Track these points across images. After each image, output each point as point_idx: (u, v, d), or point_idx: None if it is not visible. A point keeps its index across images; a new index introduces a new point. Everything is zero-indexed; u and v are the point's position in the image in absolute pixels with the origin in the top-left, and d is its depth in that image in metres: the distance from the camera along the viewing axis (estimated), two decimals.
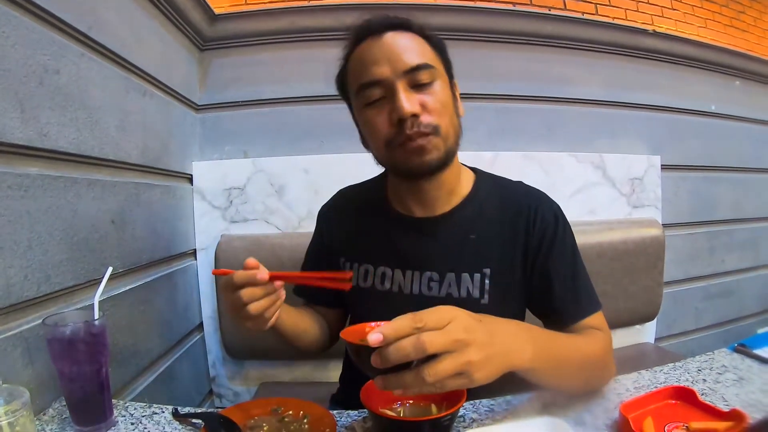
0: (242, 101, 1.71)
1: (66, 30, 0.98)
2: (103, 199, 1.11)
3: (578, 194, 1.90)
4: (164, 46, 1.45)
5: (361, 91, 0.92)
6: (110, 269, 0.87)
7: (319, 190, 1.59)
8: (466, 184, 1.02)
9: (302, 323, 1.05)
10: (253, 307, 0.78)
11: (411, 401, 0.80)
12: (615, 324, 0.95)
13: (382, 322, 0.62)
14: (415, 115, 0.87)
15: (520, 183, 1.06)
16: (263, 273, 0.77)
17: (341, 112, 1.72)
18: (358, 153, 1.62)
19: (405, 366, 0.57)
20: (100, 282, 0.84)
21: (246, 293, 0.77)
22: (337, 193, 1.19)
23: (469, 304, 0.87)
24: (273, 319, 0.86)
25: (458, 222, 0.99)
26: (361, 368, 0.61)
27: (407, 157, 0.90)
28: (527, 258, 0.97)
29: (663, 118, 2.20)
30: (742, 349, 1.07)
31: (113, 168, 1.16)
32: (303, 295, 1.16)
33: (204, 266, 1.65)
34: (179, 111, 1.57)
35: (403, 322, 0.58)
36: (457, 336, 0.59)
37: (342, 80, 1.01)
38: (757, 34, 2.64)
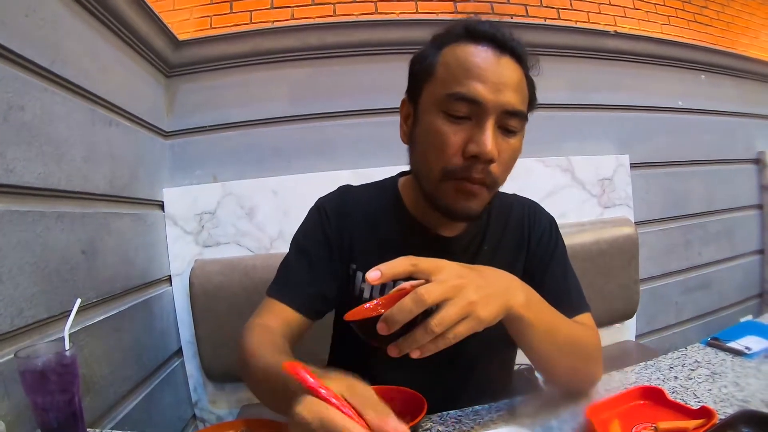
0: (210, 125, 1.71)
1: (28, 66, 0.98)
2: (72, 230, 1.10)
3: (548, 198, 1.92)
4: (129, 74, 1.45)
5: (448, 99, 0.82)
6: (79, 300, 0.87)
7: (288, 211, 1.59)
8: None
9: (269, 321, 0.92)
10: None
11: None
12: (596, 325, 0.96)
13: (375, 300, 0.65)
14: (491, 161, 0.81)
15: (515, 195, 1.09)
16: None
17: (307, 131, 1.74)
18: (326, 171, 1.64)
19: (413, 327, 0.59)
20: (70, 313, 0.84)
21: None
22: (340, 190, 1.06)
23: None
24: None
25: (472, 238, 0.99)
26: (371, 344, 0.62)
27: (455, 195, 0.84)
28: (527, 264, 1.00)
29: (630, 117, 2.22)
30: (716, 342, 1.08)
31: (82, 199, 1.16)
32: (290, 298, 0.94)
33: (179, 291, 1.64)
34: (147, 138, 1.56)
35: (398, 260, 0.61)
36: (452, 282, 0.61)
37: (422, 65, 0.88)
38: (720, 27, 2.68)
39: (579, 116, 2.10)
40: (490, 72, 0.80)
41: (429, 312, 0.59)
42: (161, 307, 1.58)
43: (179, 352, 1.67)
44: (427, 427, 0.84)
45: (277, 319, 0.91)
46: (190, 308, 1.60)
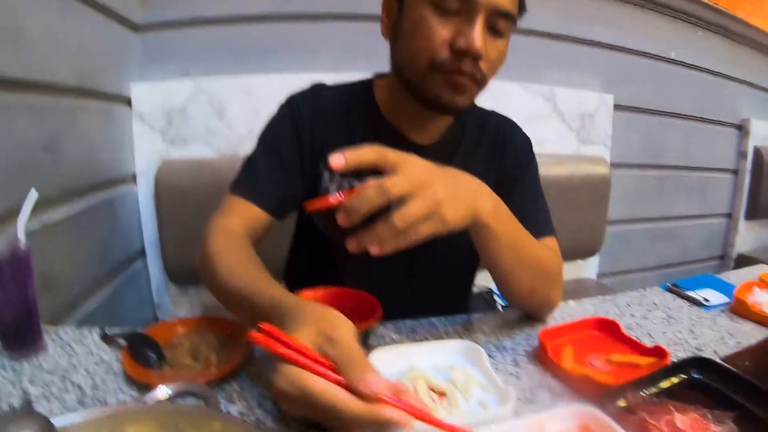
0: (184, 19, 1.61)
1: None
2: (35, 123, 1.06)
3: (526, 125, 1.86)
4: None
5: None
6: (35, 193, 0.82)
7: (260, 111, 1.54)
8: None
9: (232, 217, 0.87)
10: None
11: None
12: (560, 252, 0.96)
13: (338, 194, 0.61)
14: (479, 57, 0.79)
15: (493, 112, 1.08)
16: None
17: (286, 30, 1.66)
18: (303, 73, 1.58)
19: (375, 220, 0.57)
20: (24, 204, 0.80)
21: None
22: (314, 86, 1.01)
23: None
24: None
25: (445, 147, 0.98)
26: (331, 236, 0.60)
27: (444, 87, 0.83)
28: (499, 177, 0.99)
29: (621, 58, 2.19)
30: (675, 289, 1.09)
31: (45, 92, 1.10)
32: (254, 195, 0.90)
33: (144, 191, 1.60)
34: (118, 31, 1.48)
35: (365, 148, 0.58)
36: (420, 177, 0.58)
37: None
38: None
39: (569, 48, 2.04)
40: None
41: (394, 208, 0.57)
42: (125, 206, 1.55)
43: (142, 252, 1.65)
44: (381, 334, 0.84)
45: (241, 219, 0.87)
46: (155, 208, 1.58)
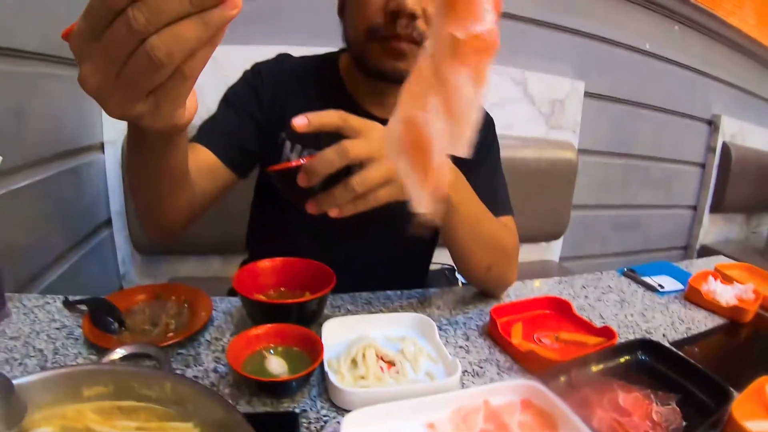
0: None
1: None
2: None
3: (495, 107, 1.90)
4: None
5: None
6: None
7: (228, 82, 1.54)
8: None
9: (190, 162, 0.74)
10: (159, 43, 0.34)
11: (283, 288, 0.82)
12: (521, 239, 0.98)
13: (300, 160, 0.63)
14: (414, 16, 0.78)
15: None
16: None
17: (257, 1, 1.62)
18: (274, 45, 1.56)
19: (335, 183, 0.58)
20: None
21: (142, 15, 0.33)
22: (279, 55, 1.03)
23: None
24: (191, 107, 0.49)
25: None
26: (290, 198, 0.61)
27: (383, 55, 0.83)
28: (461, 158, 0.98)
29: (594, 46, 2.20)
30: (631, 274, 1.13)
31: (9, 57, 1.07)
32: (213, 143, 0.89)
33: (111, 160, 1.57)
34: None
35: (328, 112, 0.60)
36: (381, 143, 0.59)
37: None
38: None
39: (543, 33, 2.05)
40: None
41: (353, 172, 0.58)
42: (91, 175, 1.52)
43: (108, 222, 1.63)
44: (337, 304, 0.86)
45: (192, 155, 0.81)
46: (122, 178, 1.56)
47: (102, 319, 0.72)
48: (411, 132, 0.37)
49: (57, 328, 0.74)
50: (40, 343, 0.70)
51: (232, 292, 1.10)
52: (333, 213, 0.60)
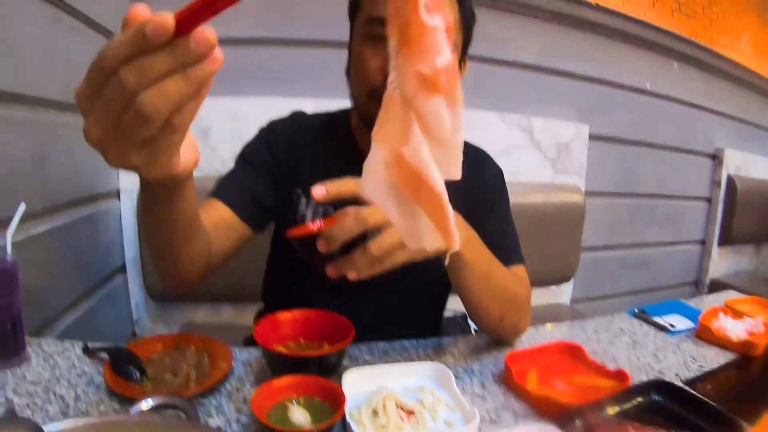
0: None
1: None
2: (22, 137, 1.06)
3: (503, 155, 1.94)
4: None
5: (368, 23, 0.85)
6: (23, 206, 0.84)
7: (243, 134, 1.57)
8: None
9: (200, 216, 0.75)
10: (149, 101, 0.36)
11: (302, 339, 0.83)
12: (532, 283, 0.99)
13: (318, 221, 0.69)
14: None
15: (466, 142, 1.08)
16: (162, 15, 0.34)
17: (273, 54, 1.67)
18: (287, 98, 1.60)
19: (353, 248, 0.60)
20: (13, 218, 0.82)
21: (131, 76, 0.36)
22: (293, 113, 1.06)
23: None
24: (187, 157, 0.52)
25: None
26: (310, 261, 0.64)
27: None
28: (472, 208, 1.01)
29: (596, 89, 2.25)
30: (642, 314, 1.13)
31: (34, 105, 1.11)
32: (231, 199, 0.91)
33: (127, 207, 1.60)
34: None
35: (345, 180, 0.62)
36: None
37: (353, 1, 0.92)
38: (704, 22, 2.70)
39: (546, 79, 2.10)
40: None
41: (371, 236, 0.60)
42: (107, 222, 1.55)
43: (123, 269, 1.65)
44: (354, 355, 0.87)
45: (209, 211, 0.88)
46: (136, 225, 1.58)
47: (123, 367, 0.73)
48: (402, 169, 0.38)
49: (77, 375, 0.75)
50: (60, 389, 0.71)
51: (248, 342, 1.11)
52: (351, 276, 0.62)
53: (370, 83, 0.85)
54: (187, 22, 0.34)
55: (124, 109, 0.37)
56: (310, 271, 0.74)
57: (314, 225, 0.68)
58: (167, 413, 0.61)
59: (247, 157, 0.99)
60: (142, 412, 0.58)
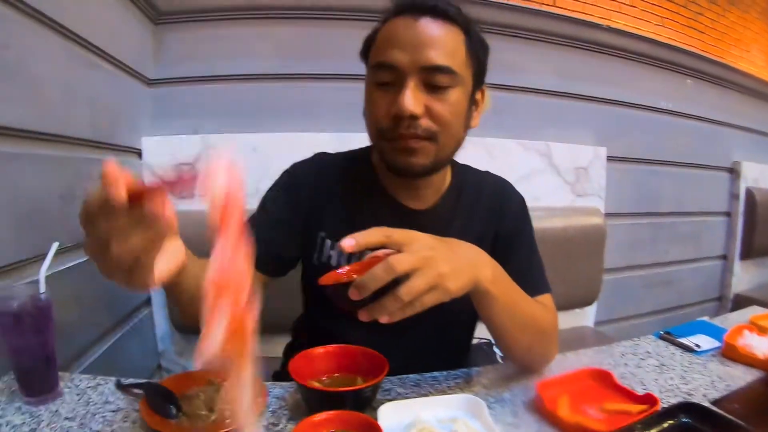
0: (195, 76, 1.69)
1: (14, 3, 0.95)
2: (49, 174, 1.09)
3: (523, 181, 1.95)
4: (116, 19, 1.41)
5: (374, 70, 0.89)
6: (56, 244, 0.86)
7: (267, 169, 1.60)
8: (447, 176, 1.04)
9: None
10: (117, 249, 0.45)
11: (338, 374, 0.84)
12: (555, 308, 1.00)
13: (346, 267, 0.71)
14: (414, 117, 0.84)
15: (487, 173, 1.12)
16: (118, 187, 0.42)
17: (293, 90, 1.72)
18: (308, 132, 1.63)
19: (383, 294, 0.62)
20: (46, 257, 0.83)
21: (103, 225, 0.45)
22: (317, 155, 1.08)
23: None
24: (161, 272, 0.56)
25: (443, 213, 1.01)
26: (342, 308, 0.65)
27: (393, 153, 0.89)
28: (496, 241, 1.02)
29: (612, 111, 2.26)
30: (668, 336, 1.12)
31: (61, 143, 1.15)
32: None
33: None
34: (130, 85, 1.54)
35: (372, 230, 0.64)
36: (423, 253, 0.64)
37: (368, 44, 0.95)
38: (714, 36, 2.72)
39: (562, 104, 2.12)
40: (405, 35, 0.85)
41: (400, 280, 0.62)
42: None
43: (148, 301, 1.67)
44: (387, 387, 0.87)
45: None
46: None
47: (159, 403, 0.74)
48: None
49: (112, 411, 0.76)
50: (96, 425, 0.72)
51: (277, 376, 1.13)
52: (383, 320, 0.64)
53: (378, 125, 0.89)
54: (144, 193, 0.43)
55: (104, 247, 0.45)
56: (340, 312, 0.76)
57: (342, 270, 0.71)
58: None
59: (267, 207, 1.02)
60: None
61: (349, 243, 0.63)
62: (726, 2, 2.76)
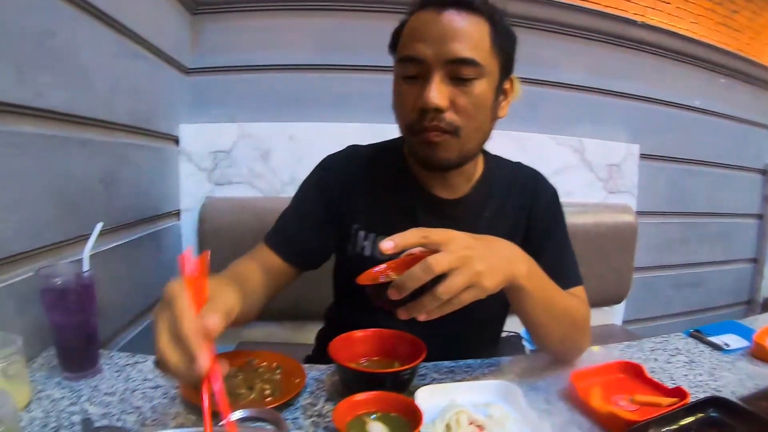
0: (232, 66, 1.72)
1: None
2: (92, 158, 1.13)
3: (556, 176, 1.92)
4: (157, 8, 1.45)
5: (400, 64, 0.89)
6: (100, 225, 0.89)
7: (302, 157, 1.62)
8: (479, 166, 1.04)
9: (250, 299, 0.87)
10: None
11: (377, 357, 0.86)
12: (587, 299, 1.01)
13: (384, 265, 0.71)
14: (438, 110, 0.84)
15: (519, 164, 1.12)
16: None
17: (329, 81, 1.73)
18: (343, 122, 1.64)
19: (421, 293, 0.63)
20: (90, 236, 0.87)
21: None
22: (349, 148, 1.09)
23: None
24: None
25: (474, 203, 1.02)
26: (381, 306, 0.67)
27: (420, 146, 0.90)
28: (528, 232, 1.03)
29: (645, 108, 2.23)
30: (697, 334, 1.12)
31: (103, 128, 1.18)
32: (279, 247, 0.99)
33: (187, 226, 1.68)
34: (169, 73, 1.57)
35: (410, 232, 0.65)
36: (460, 253, 0.65)
37: (396, 37, 0.94)
38: (749, 35, 2.64)
39: (595, 100, 2.11)
40: (430, 28, 0.85)
41: (437, 279, 0.63)
42: (168, 240, 1.62)
43: None
44: (422, 373, 0.89)
45: (257, 263, 0.97)
46: (197, 244, 1.65)
47: None
48: None
49: (152, 387, 0.79)
50: (136, 401, 0.75)
51: (309, 360, 1.15)
52: (421, 318, 0.66)
53: (406, 119, 0.90)
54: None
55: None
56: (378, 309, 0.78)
57: (380, 269, 0.72)
58: (255, 426, 0.64)
59: (299, 203, 1.05)
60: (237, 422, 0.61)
61: (387, 245, 0.64)
62: (763, 0, 2.69)
